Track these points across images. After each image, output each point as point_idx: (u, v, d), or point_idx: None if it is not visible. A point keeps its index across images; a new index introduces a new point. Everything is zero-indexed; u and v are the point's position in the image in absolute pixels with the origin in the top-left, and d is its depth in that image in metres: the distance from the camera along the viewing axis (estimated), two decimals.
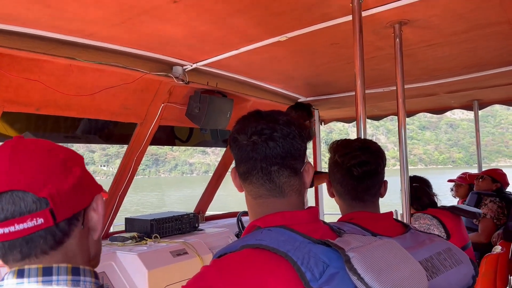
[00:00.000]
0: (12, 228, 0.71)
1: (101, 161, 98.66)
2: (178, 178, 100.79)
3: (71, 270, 0.75)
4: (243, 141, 1.02)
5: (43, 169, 0.76)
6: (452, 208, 2.84)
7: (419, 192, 2.83)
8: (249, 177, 1.04)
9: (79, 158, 0.85)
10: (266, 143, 1.00)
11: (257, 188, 1.03)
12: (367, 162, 1.40)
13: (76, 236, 0.79)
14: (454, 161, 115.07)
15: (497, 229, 3.58)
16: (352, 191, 1.43)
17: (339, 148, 1.46)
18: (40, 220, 0.72)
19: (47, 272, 0.73)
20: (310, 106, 3.88)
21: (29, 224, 0.72)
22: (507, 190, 4.06)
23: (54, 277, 0.73)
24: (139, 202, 36.52)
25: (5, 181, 0.72)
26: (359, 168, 1.40)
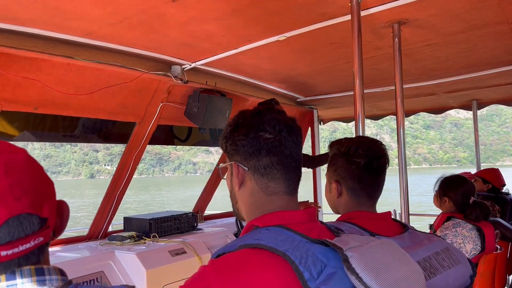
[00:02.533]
0: (15, 250, 0.73)
1: (105, 160, 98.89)
2: (182, 177, 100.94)
3: (35, 271, 0.76)
4: (267, 134, 1.00)
5: (38, 186, 0.78)
6: (494, 222, 2.77)
7: (486, 208, 2.66)
8: (273, 171, 1.01)
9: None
10: (290, 138, 1.01)
11: (277, 183, 1.02)
12: (384, 155, 1.41)
13: (49, 244, 0.81)
14: (459, 161, 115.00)
15: None
16: (368, 187, 1.41)
17: (352, 143, 1.44)
18: (41, 239, 0.75)
19: (10, 277, 0.73)
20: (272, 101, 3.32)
21: (31, 243, 0.74)
22: (505, 189, 4.03)
23: (18, 280, 0.74)
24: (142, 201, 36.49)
25: (13, 206, 0.73)
26: (377, 161, 1.39)
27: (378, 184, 1.42)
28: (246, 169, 1.04)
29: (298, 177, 1.06)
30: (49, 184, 0.81)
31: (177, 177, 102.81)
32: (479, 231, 2.56)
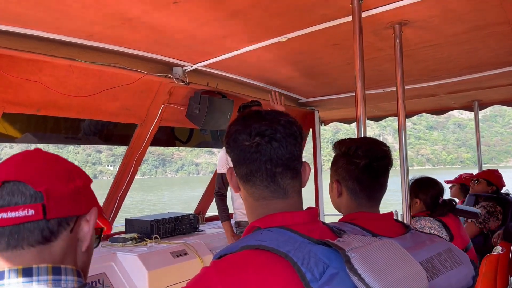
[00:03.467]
0: (4, 215, 0.75)
1: (108, 161, 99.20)
2: (184, 178, 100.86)
3: (52, 270, 0.76)
4: (244, 141, 0.99)
5: (48, 170, 0.81)
6: (455, 211, 2.82)
7: (451, 205, 2.80)
8: (252, 179, 1.00)
9: (86, 177, 0.89)
10: (270, 144, 0.97)
11: (260, 190, 1.01)
12: (385, 156, 1.40)
13: (64, 240, 0.80)
14: (462, 161, 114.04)
15: (481, 233, 3.59)
16: (367, 188, 1.39)
17: (353, 144, 1.43)
18: (31, 212, 0.76)
19: (27, 273, 0.74)
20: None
21: (20, 213, 0.75)
22: (504, 190, 4.02)
23: (35, 278, 0.74)
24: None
25: (13, 172, 0.78)
26: (378, 162, 1.38)
27: (379, 185, 1.41)
28: (235, 175, 1.05)
29: (288, 180, 1.01)
30: (61, 170, 0.83)
31: (180, 177, 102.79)
32: (440, 221, 2.65)
